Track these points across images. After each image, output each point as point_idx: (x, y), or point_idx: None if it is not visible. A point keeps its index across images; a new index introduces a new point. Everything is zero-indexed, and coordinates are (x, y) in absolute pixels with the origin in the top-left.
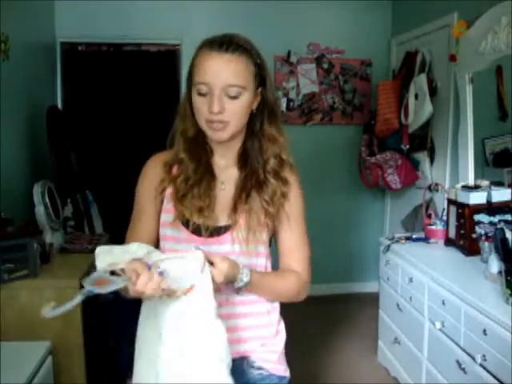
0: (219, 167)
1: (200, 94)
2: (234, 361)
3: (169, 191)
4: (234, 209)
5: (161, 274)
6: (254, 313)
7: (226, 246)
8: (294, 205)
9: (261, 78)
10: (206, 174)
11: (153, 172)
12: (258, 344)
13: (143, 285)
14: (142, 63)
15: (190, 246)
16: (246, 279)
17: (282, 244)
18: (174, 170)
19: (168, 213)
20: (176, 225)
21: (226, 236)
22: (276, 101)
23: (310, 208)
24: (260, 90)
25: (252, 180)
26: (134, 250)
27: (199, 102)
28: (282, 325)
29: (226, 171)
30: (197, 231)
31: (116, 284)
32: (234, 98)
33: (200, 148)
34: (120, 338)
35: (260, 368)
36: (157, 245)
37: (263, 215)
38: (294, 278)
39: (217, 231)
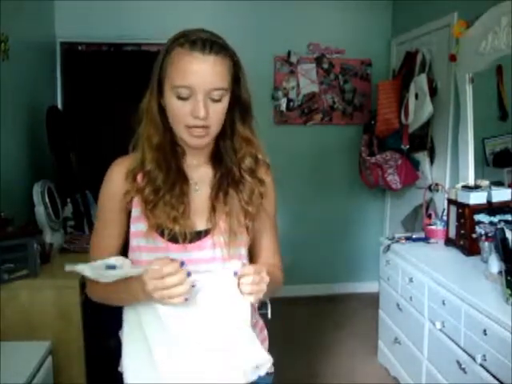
0: (191, 167)
1: (180, 98)
2: None
3: (136, 199)
4: (213, 211)
5: (189, 274)
6: None
7: (206, 252)
8: (271, 206)
9: (235, 75)
10: (177, 179)
11: (116, 181)
12: None
13: (176, 280)
14: (142, 63)
15: (168, 255)
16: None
17: (261, 246)
18: (139, 178)
19: (138, 222)
20: (151, 234)
21: (206, 241)
22: (250, 100)
23: (310, 208)
24: (232, 88)
25: (228, 179)
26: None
27: (179, 107)
28: (262, 322)
29: (198, 170)
30: (174, 239)
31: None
32: (218, 101)
33: (168, 153)
34: (120, 338)
35: None
36: (124, 255)
37: (243, 216)
38: (279, 271)
39: (196, 236)
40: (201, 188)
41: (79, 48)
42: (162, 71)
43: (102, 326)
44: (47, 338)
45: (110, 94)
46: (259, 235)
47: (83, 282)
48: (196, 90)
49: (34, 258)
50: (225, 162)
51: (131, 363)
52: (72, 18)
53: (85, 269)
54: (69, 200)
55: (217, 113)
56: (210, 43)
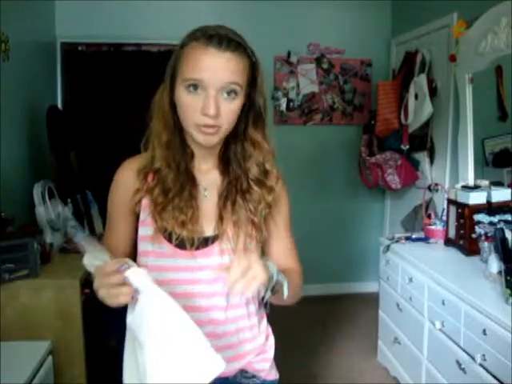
0: (200, 171)
1: (190, 92)
2: (228, 378)
3: (145, 202)
4: (220, 219)
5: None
6: (247, 326)
7: (213, 258)
8: (282, 211)
9: (252, 77)
10: (187, 182)
11: (125, 181)
12: (254, 355)
13: (108, 270)
14: (143, 63)
15: (175, 260)
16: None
17: (271, 254)
18: (150, 178)
19: (146, 226)
20: (158, 239)
21: (214, 247)
22: (265, 104)
23: (310, 208)
24: (248, 90)
25: (236, 187)
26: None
27: (189, 101)
28: (270, 330)
29: (208, 175)
30: (181, 244)
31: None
32: (231, 98)
33: (178, 153)
34: (120, 337)
35: (253, 376)
36: (133, 259)
37: (250, 226)
38: (297, 271)
39: (203, 243)
40: (210, 194)
41: (79, 48)
42: (176, 65)
43: (102, 326)
44: (47, 337)
45: (110, 94)
46: (267, 243)
47: (83, 281)
48: (207, 86)
49: (35, 257)
50: (233, 169)
51: (126, 363)
52: (72, 17)
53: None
54: (69, 200)
55: (229, 112)
56: (227, 40)
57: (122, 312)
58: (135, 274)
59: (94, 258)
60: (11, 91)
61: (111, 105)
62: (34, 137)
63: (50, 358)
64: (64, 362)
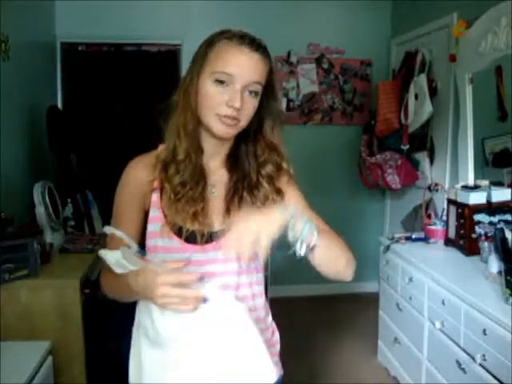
0: (209, 168)
1: (217, 85)
2: None
3: (155, 198)
4: (228, 213)
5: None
6: (253, 319)
7: (222, 252)
8: (292, 199)
9: (269, 82)
10: (200, 177)
11: (137, 175)
12: None
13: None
14: (143, 63)
15: (183, 256)
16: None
17: None
18: (159, 170)
19: (155, 222)
20: (167, 234)
21: (222, 241)
22: (280, 108)
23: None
24: (264, 94)
25: (244, 183)
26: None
27: (215, 94)
28: (275, 325)
29: (216, 173)
30: (191, 239)
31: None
32: (252, 96)
33: (197, 146)
34: (120, 337)
35: None
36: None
37: None
38: (336, 237)
39: (211, 237)
40: (217, 191)
41: (79, 48)
42: (203, 61)
43: (102, 326)
44: (47, 338)
45: (110, 94)
46: None
47: (83, 282)
48: (236, 81)
49: (34, 257)
50: (242, 166)
51: (132, 362)
52: (72, 17)
53: (107, 254)
54: (69, 200)
55: (248, 108)
56: (257, 42)
57: (121, 312)
58: (210, 290)
59: (125, 260)
60: (11, 91)
61: (111, 105)
62: (34, 137)
63: (50, 357)
64: (64, 361)
